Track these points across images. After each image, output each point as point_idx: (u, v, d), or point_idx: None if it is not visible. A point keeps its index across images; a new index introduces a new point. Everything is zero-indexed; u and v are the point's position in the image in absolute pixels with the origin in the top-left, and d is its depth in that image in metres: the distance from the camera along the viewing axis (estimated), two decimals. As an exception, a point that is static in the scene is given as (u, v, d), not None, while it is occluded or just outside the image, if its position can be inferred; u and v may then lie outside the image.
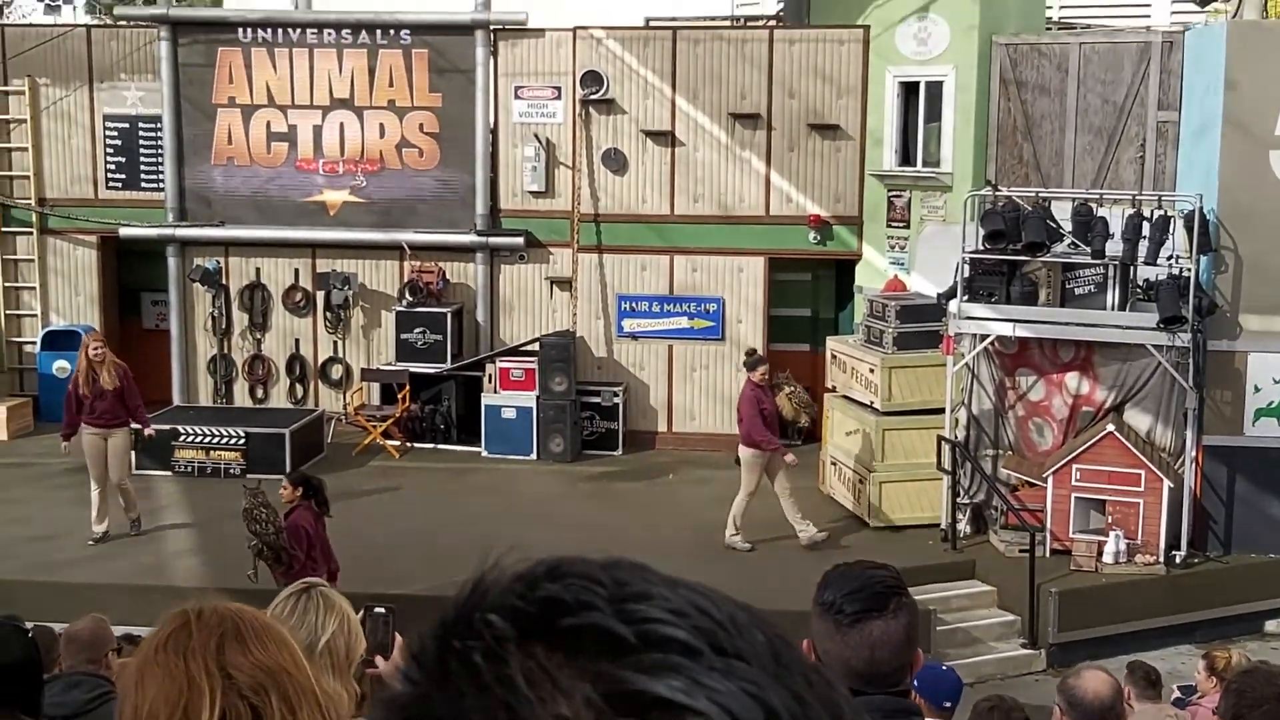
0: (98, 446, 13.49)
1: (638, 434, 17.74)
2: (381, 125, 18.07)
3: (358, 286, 18.14)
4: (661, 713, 0.77)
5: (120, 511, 14.02)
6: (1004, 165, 15.89)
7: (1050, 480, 13.41)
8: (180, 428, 16.44)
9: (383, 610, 3.92)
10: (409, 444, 17.56)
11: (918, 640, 2.97)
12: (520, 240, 17.82)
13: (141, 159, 18.69)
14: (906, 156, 16.66)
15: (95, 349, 13.59)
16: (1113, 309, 13.58)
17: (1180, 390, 13.48)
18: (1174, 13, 21.98)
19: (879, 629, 2.84)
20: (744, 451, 13.80)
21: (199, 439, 16.33)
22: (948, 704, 6.11)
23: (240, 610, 2.31)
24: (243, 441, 16.28)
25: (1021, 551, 13.05)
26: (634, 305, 17.86)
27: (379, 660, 3.89)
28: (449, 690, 0.82)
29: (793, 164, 17.45)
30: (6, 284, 19.06)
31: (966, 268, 13.90)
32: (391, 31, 17.91)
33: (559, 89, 17.70)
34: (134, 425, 13.91)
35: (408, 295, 17.66)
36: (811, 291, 18.60)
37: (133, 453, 14.51)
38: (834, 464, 15.30)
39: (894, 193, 16.79)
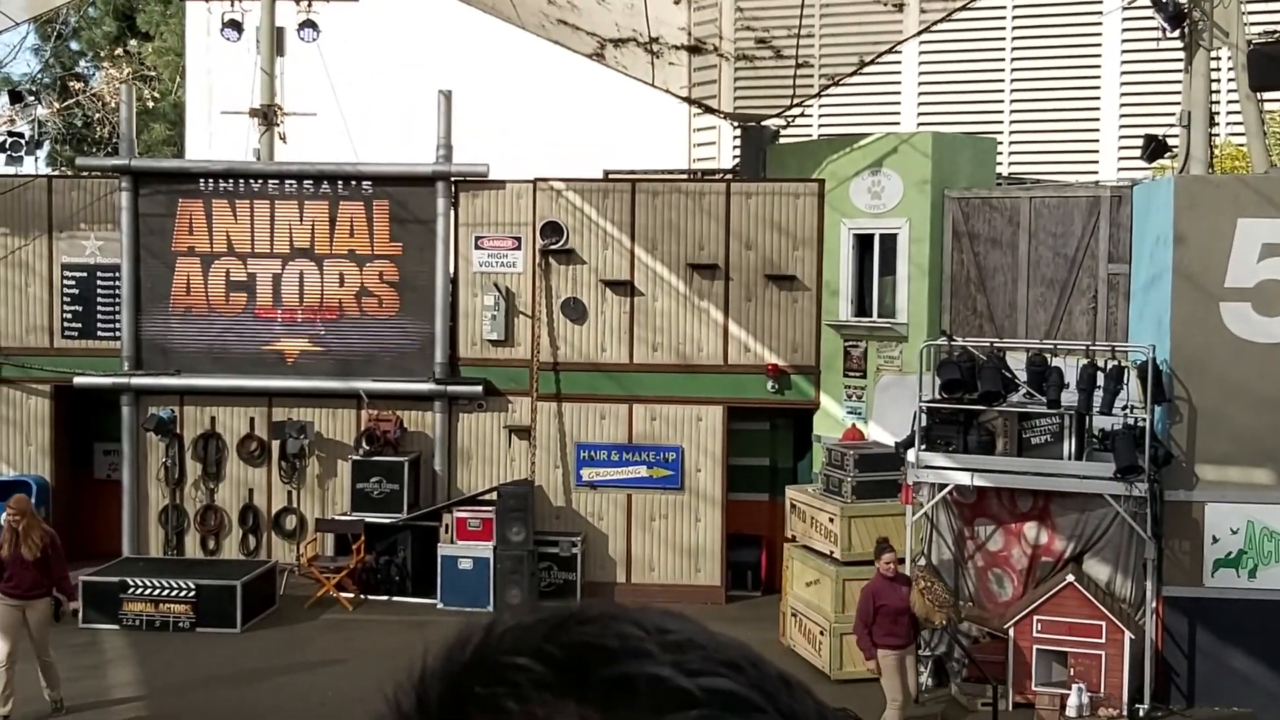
0: (12, 618, 12.53)
1: (596, 584, 17.55)
2: (341, 274, 18.14)
3: (314, 435, 18.02)
4: None
5: (36, 688, 12.96)
6: (958, 315, 16.07)
7: (1011, 632, 13.31)
8: (129, 579, 16.14)
9: None
10: (363, 595, 17.29)
11: None
12: (479, 389, 17.81)
13: (99, 308, 18.64)
14: (862, 307, 16.84)
15: (14, 516, 12.59)
16: (1070, 458, 13.65)
17: (1139, 540, 13.49)
18: (1121, 168, 22.51)
19: None
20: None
21: (148, 591, 16.01)
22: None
23: None
24: (193, 594, 15.98)
25: (984, 705, 12.89)
26: (593, 454, 17.80)
27: None
28: None
29: (750, 314, 17.59)
30: (-43, 433, 18.82)
31: (924, 417, 13.96)
32: (353, 182, 18.08)
33: (519, 239, 17.86)
34: (58, 596, 12.77)
35: (365, 444, 17.55)
36: (770, 440, 18.61)
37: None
38: (794, 615, 15.16)
39: (850, 342, 16.93)
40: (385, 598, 17.33)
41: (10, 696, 12.74)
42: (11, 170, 19.90)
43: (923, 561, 13.82)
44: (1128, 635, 13.06)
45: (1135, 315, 14.93)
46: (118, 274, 18.37)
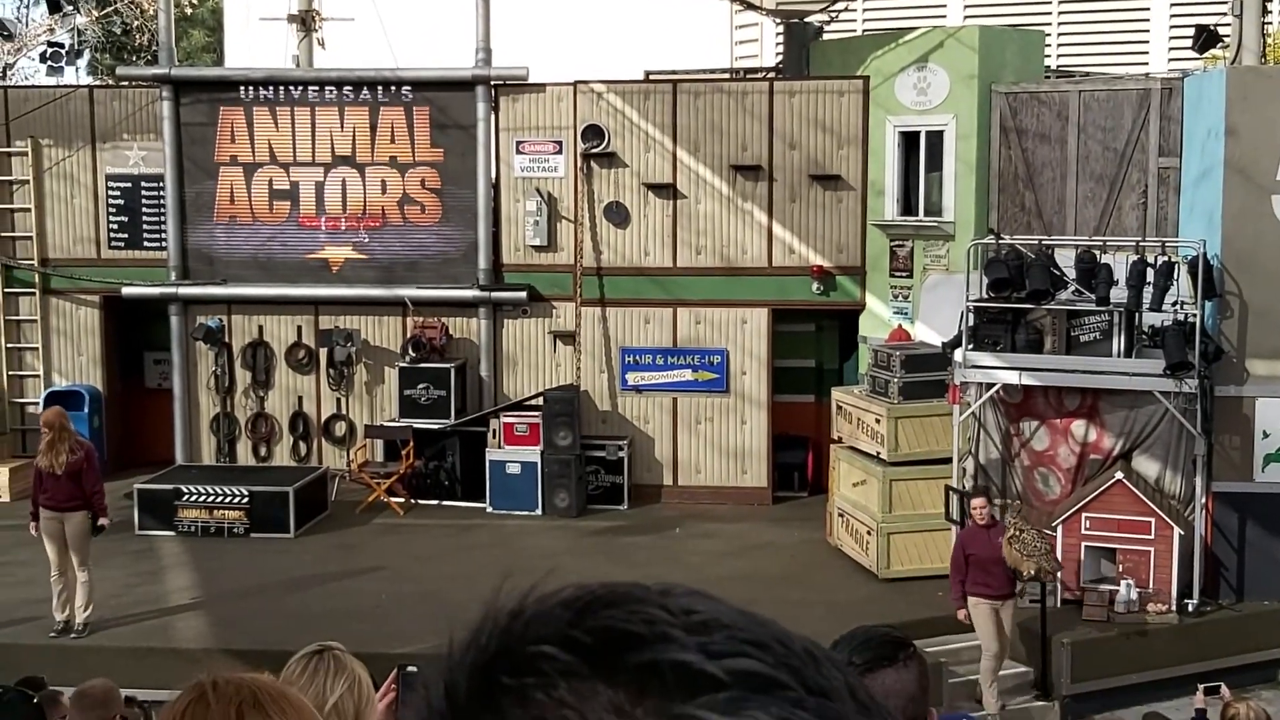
0: (53, 529, 12.64)
1: (643, 488, 17.66)
2: (383, 181, 18.11)
3: (361, 343, 18.12)
4: None
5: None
6: (1006, 213, 15.90)
7: (1060, 529, 13.32)
8: (183, 487, 16.37)
9: (415, 670, 3.91)
10: (413, 501, 17.48)
11: (929, 696, 2.93)
12: (523, 295, 17.82)
13: (144, 218, 18.73)
14: (908, 206, 16.68)
15: (47, 429, 12.64)
16: (1118, 356, 13.55)
17: (1188, 437, 13.42)
18: (1172, 60, 22.07)
19: (891, 678, 2.83)
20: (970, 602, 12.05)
21: (202, 498, 16.24)
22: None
23: (256, 680, 2.26)
24: (246, 500, 16.20)
25: (1033, 602, 12.94)
26: (637, 358, 17.82)
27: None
28: None
29: (795, 215, 17.46)
30: (9, 345, 19.05)
31: (971, 316, 13.87)
32: (393, 88, 17.98)
33: (560, 143, 17.75)
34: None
35: (411, 351, 17.63)
36: (815, 342, 18.57)
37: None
38: (841, 516, 15.21)
39: (896, 242, 16.80)
40: (435, 502, 17.52)
41: (68, 602, 13.00)
42: (53, 81, 19.89)
43: (1017, 507, 13.45)
44: (1177, 531, 13.04)
45: (1186, 210, 14.72)
46: (162, 184, 18.42)
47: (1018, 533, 12.09)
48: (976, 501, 12.20)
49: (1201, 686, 8.82)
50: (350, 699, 3.65)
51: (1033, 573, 12.18)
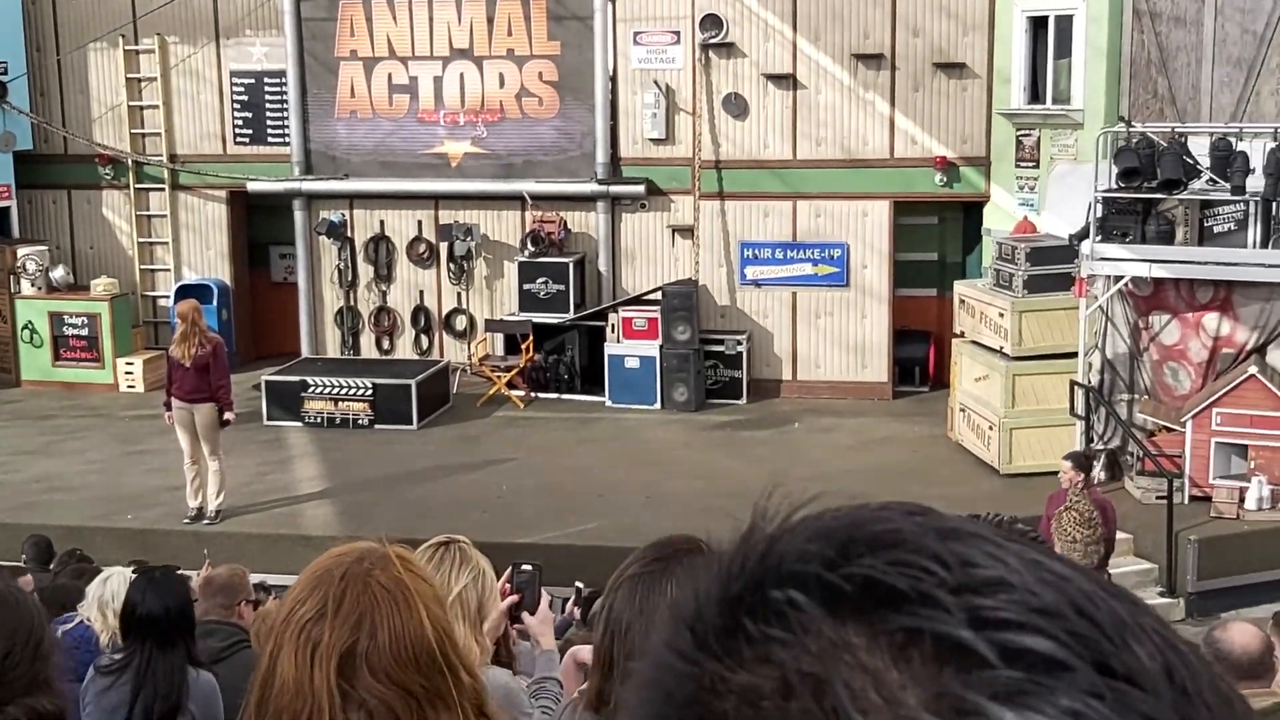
0: (183, 419, 12.94)
1: (762, 382, 17.61)
2: (501, 75, 18.06)
3: (480, 238, 18.21)
4: None
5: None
6: (1138, 100, 15.38)
7: (1189, 425, 13.02)
8: (309, 379, 16.69)
9: (529, 567, 3.98)
10: (533, 394, 17.64)
11: None
12: (641, 189, 17.73)
13: (267, 114, 18.93)
14: (1035, 94, 16.20)
15: (181, 320, 12.93)
16: (1254, 247, 13.10)
17: (1326, 330, 12.98)
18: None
19: None
20: None
21: (327, 390, 16.55)
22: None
23: (385, 580, 2.19)
24: (370, 393, 16.48)
25: (1159, 498, 12.71)
26: (756, 252, 17.68)
27: (525, 616, 3.93)
28: (744, 681, 0.64)
29: (917, 104, 17.08)
30: (140, 239, 19.47)
31: (1099, 207, 13.49)
32: (509, -20, 17.85)
33: (678, 34, 17.51)
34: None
35: (530, 246, 17.68)
36: (938, 235, 18.25)
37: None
38: (963, 411, 15.04)
39: (1022, 132, 16.35)
40: (554, 395, 17.66)
41: (201, 489, 13.38)
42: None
43: (1094, 482, 11.53)
44: (1311, 428, 12.67)
45: (1330, 95, 14.11)
46: (284, 80, 18.58)
47: (1065, 510, 10.34)
48: (1064, 464, 10.80)
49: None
50: (474, 590, 3.70)
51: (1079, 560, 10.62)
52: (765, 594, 0.65)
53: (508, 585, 3.99)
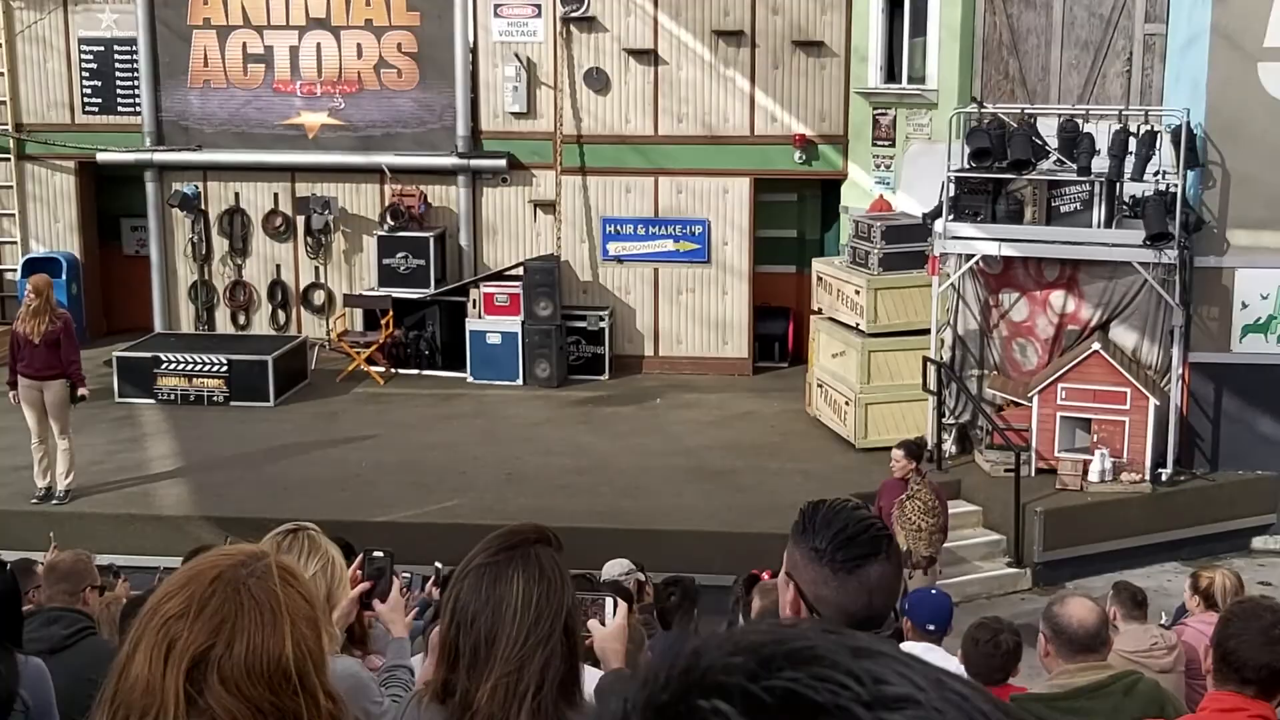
0: (31, 398, 12.63)
1: (624, 358, 17.67)
2: (359, 45, 17.81)
3: (338, 211, 17.96)
4: None
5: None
6: (990, 81, 15.70)
7: (1036, 399, 13.39)
8: (162, 355, 16.34)
9: (381, 554, 3.97)
10: (393, 370, 17.48)
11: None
12: (503, 163, 17.63)
13: (118, 83, 18.43)
14: (892, 73, 16.45)
15: (35, 294, 12.59)
16: (1099, 226, 13.49)
17: (1167, 307, 13.43)
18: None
19: (876, 574, 2.81)
20: None
21: (181, 366, 16.22)
22: (931, 626, 6.10)
23: (256, 590, 2.14)
24: (225, 369, 16.19)
25: (1007, 471, 13.06)
26: (619, 228, 17.72)
27: (377, 604, 3.92)
28: None
29: (777, 82, 17.24)
30: (-16, 212, 18.86)
31: (952, 186, 13.77)
32: (368, -50, 17.59)
33: (539, 6, 17.43)
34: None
35: (389, 220, 17.49)
36: (797, 213, 18.47)
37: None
38: (820, 386, 15.27)
39: (879, 111, 16.60)
40: (415, 372, 17.52)
41: (49, 469, 13.04)
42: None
43: (926, 470, 11.37)
44: (1152, 401, 13.11)
45: (1171, 77, 14.55)
46: (135, 48, 18.09)
47: (907, 499, 10.35)
48: (895, 453, 10.78)
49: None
50: (323, 579, 3.68)
51: (926, 553, 10.48)
52: (692, 703, 0.69)
53: (359, 572, 3.98)
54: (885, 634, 2.89)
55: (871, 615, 2.82)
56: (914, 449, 10.90)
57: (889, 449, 14.16)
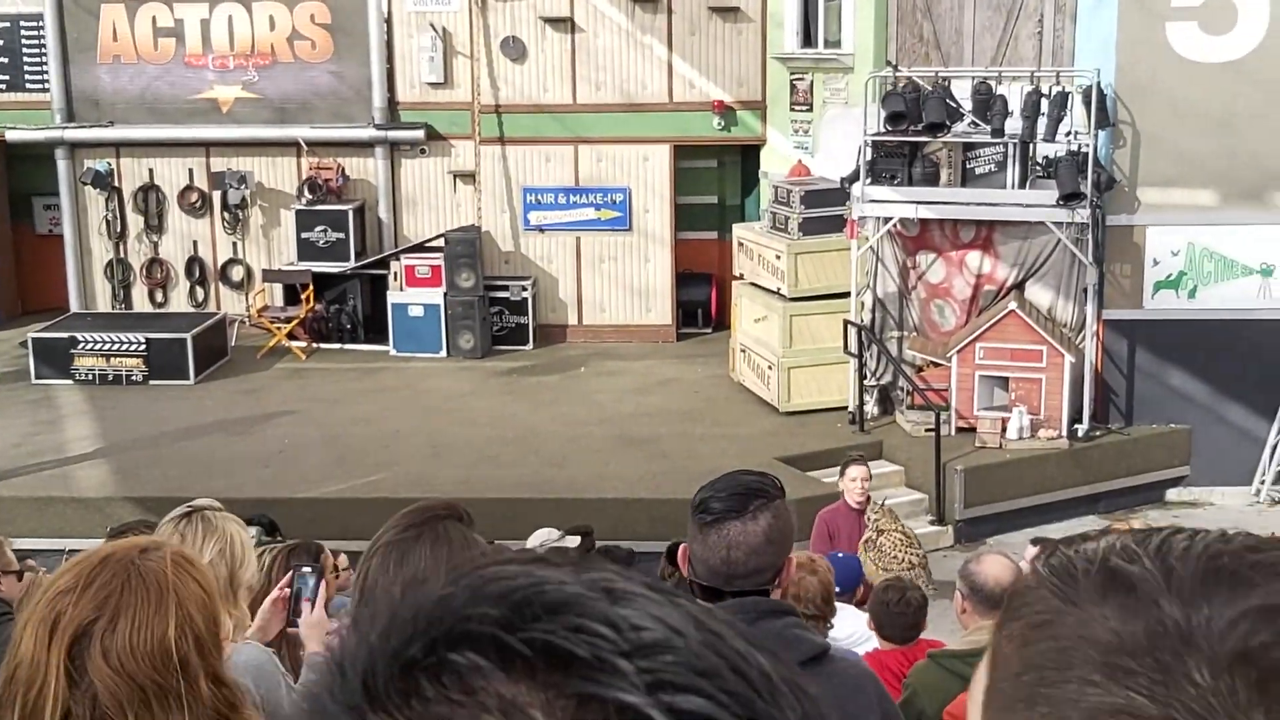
0: None
1: (548, 328, 17.66)
2: (271, 17, 17.58)
3: (255, 185, 17.76)
4: None
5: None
6: (904, 44, 15.80)
7: (954, 360, 13.55)
8: (79, 335, 16.11)
9: (309, 569, 3.78)
10: (315, 345, 17.35)
11: (786, 543, 2.99)
12: (420, 134, 17.51)
13: (25, 59, 18.07)
14: (808, 38, 16.51)
15: None
16: (1013, 187, 13.65)
17: (1080, 266, 13.63)
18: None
19: (735, 530, 2.92)
20: None
21: (98, 346, 16.00)
22: (836, 589, 6.18)
23: (145, 570, 2.16)
24: (143, 347, 15.99)
25: (927, 431, 13.22)
26: (540, 198, 17.67)
27: (300, 620, 3.75)
28: None
29: (694, 48, 17.24)
30: (-111, 193, 18.46)
31: (868, 150, 13.87)
32: (278, -80, 17.35)
33: (454, -24, 17.29)
34: None
35: (307, 193, 17.33)
36: (718, 178, 18.51)
37: None
38: (744, 351, 15.35)
39: (796, 76, 16.67)
40: (337, 346, 17.40)
41: None
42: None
43: (885, 501, 9.86)
44: (1068, 359, 13.32)
45: (1082, 38, 14.71)
46: (42, 23, 17.74)
47: (876, 535, 8.54)
48: (853, 472, 9.21)
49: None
50: (222, 562, 3.51)
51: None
52: (443, 655, 0.66)
53: (287, 590, 3.82)
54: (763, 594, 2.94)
55: (731, 571, 2.92)
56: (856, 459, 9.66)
57: (811, 411, 14.33)
